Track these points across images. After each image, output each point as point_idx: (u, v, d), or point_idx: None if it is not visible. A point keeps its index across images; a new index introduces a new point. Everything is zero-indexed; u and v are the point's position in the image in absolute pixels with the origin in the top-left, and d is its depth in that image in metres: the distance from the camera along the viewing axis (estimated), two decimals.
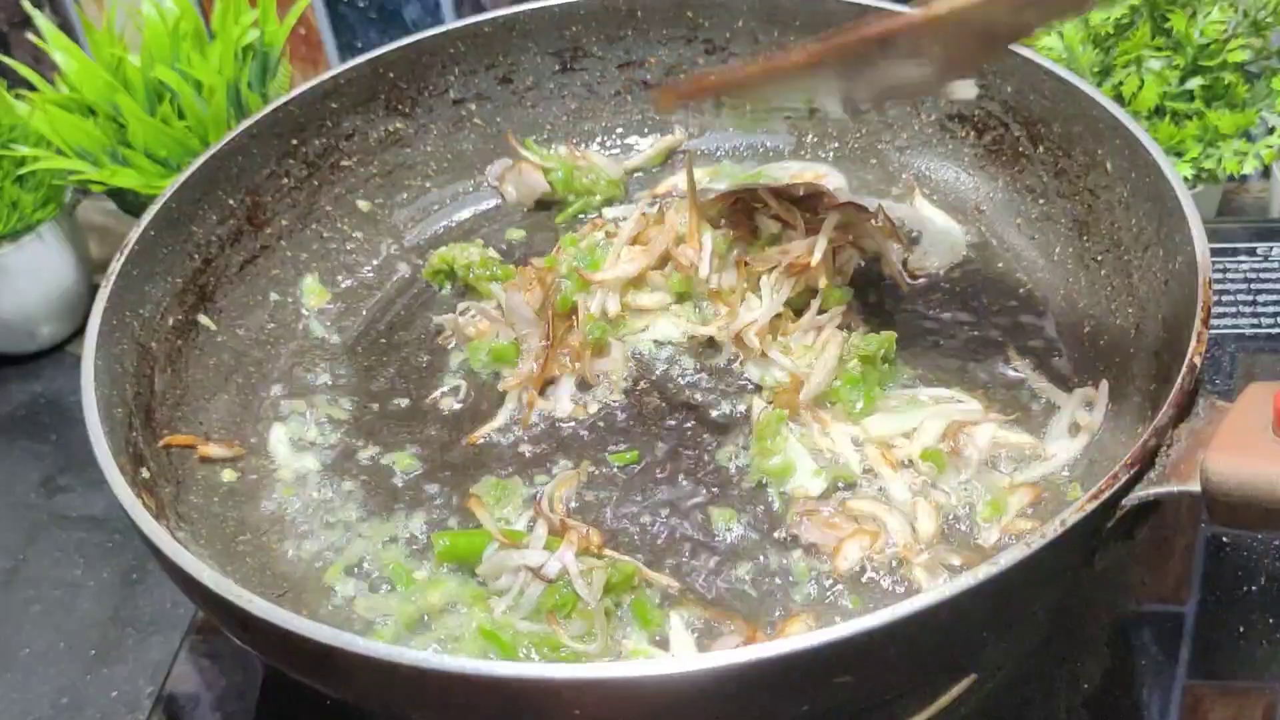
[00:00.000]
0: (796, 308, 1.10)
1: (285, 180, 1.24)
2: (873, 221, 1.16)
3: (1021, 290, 1.15)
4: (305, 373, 1.16)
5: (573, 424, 1.07)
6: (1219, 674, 0.97)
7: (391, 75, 1.29)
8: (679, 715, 0.77)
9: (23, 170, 1.36)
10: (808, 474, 1.00)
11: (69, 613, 1.19)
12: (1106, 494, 0.77)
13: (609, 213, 1.28)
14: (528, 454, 1.05)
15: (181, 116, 1.37)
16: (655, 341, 1.12)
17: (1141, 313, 1.02)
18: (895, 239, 1.16)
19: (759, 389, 1.07)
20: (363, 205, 1.29)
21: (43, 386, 1.44)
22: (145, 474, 0.96)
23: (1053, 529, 0.76)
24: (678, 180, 1.32)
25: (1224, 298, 1.25)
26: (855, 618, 0.73)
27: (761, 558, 0.95)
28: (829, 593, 0.93)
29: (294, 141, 1.24)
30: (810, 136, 1.33)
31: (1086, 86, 1.10)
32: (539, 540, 0.94)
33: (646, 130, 1.37)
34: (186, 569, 0.82)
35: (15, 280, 1.40)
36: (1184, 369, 0.83)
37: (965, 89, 1.13)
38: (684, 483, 1.02)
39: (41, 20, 1.42)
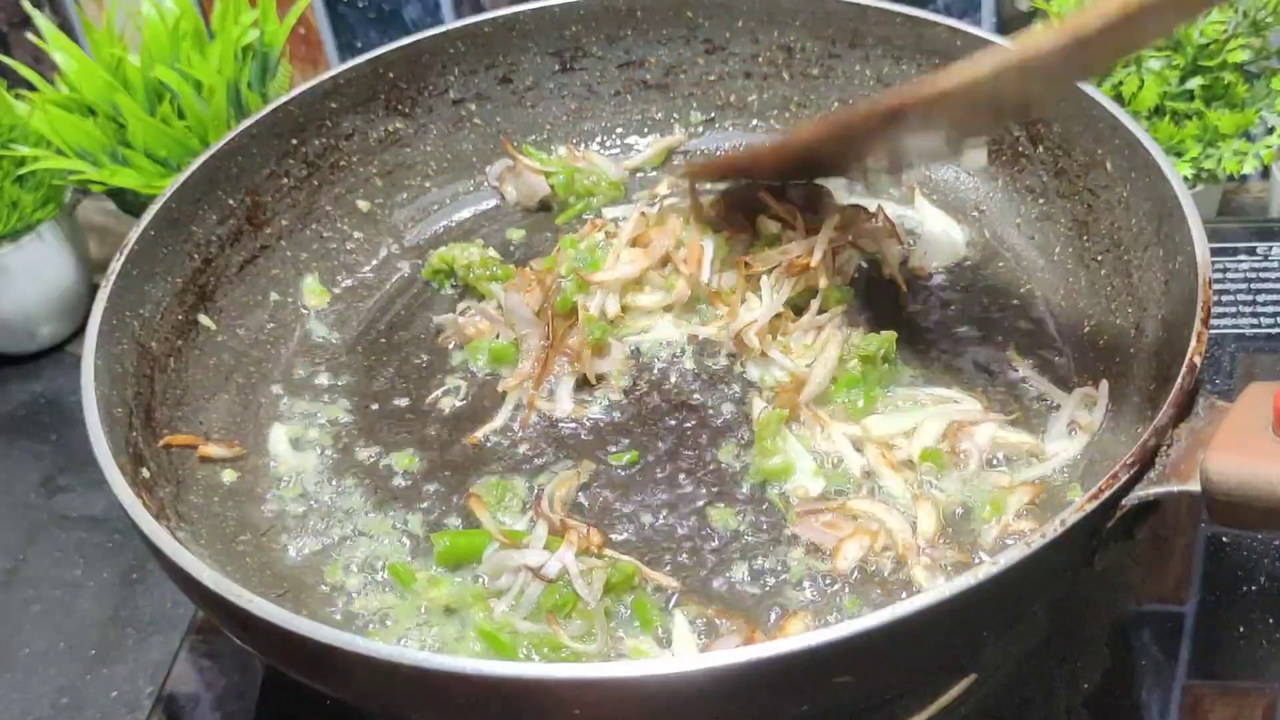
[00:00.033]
0: (797, 307, 1.10)
1: (285, 180, 1.24)
2: (873, 222, 1.16)
3: (1021, 290, 1.15)
4: (305, 373, 1.16)
5: (573, 424, 1.07)
6: (1219, 674, 0.97)
7: (391, 75, 1.29)
8: (679, 715, 0.77)
9: (23, 170, 1.36)
10: (808, 474, 1.00)
11: (69, 613, 1.19)
12: (1106, 494, 0.78)
13: (609, 212, 1.28)
14: (528, 454, 1.05)
15: (181, 116, 1.37)
16: (656, 342, 1.12)
17: (1141, 313, 1.02)
18: (895, 239, 1.16)
19: (759, 389, 1.07)
20: (363, 205, 1.29)
21: (43, 386, 1.44)
22: (145, 474, 0.96)
23: (1053, 529, 0.76)
24: (677, 180, 1.32)
25: (1224, 298, 1.25)
26: (855, 618, 0.73)
27: (761, 558, 0.95)
28: (829, 593, 0.93)
29: (294, 141, 1.24)
30: None
31: (1086, 86, 1.10)
32: (539, 540, 0.94)
33: (646, 130, 1.37)
34: (186, 569, 0.82)
35: (15, 280, 1.40)
36: (1184, 369, 0.83)
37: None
38: (684, 483, 1.02)
39: (41, 20, 1.42)
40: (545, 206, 1.32)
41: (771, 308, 1.08)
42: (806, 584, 0.93)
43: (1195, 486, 0.77)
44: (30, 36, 1.43)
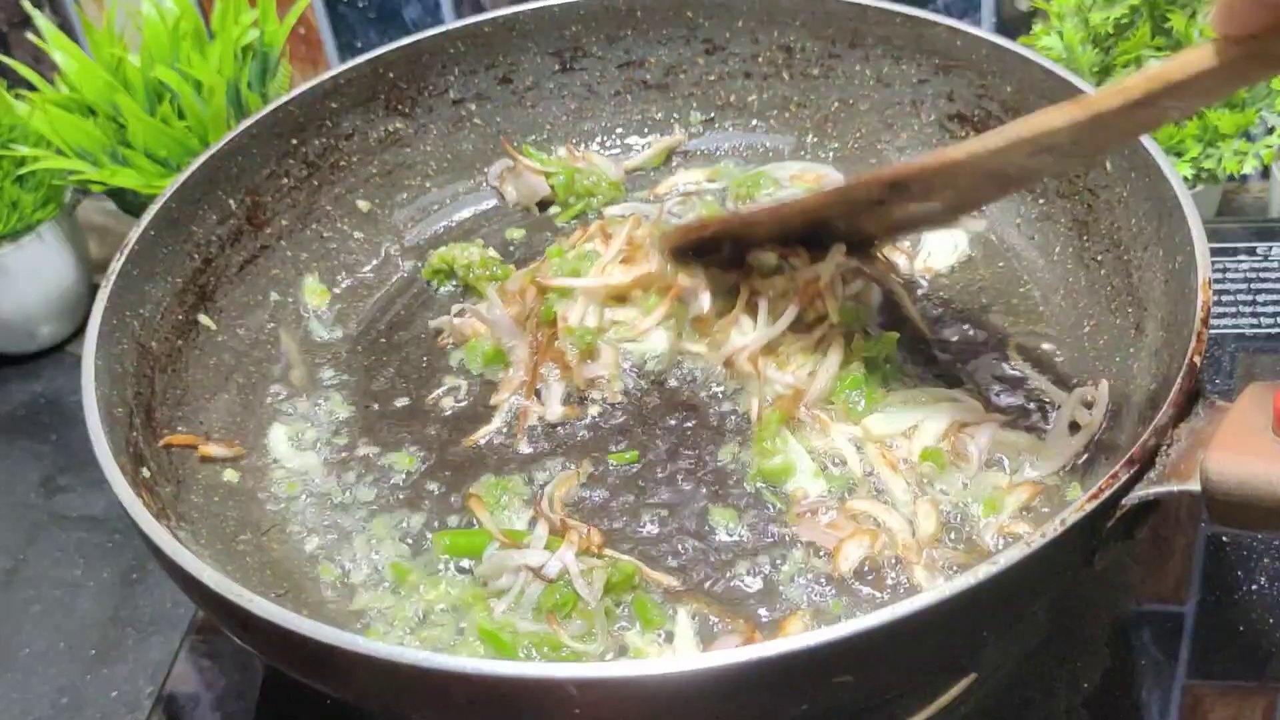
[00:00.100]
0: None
1: (285, 180, 1.24)
2: (876, 261, 1.12)
3: (1021, 290, 1.15)
4: (305, 372, 1.16)
5: (573, 424, 1.07)
6: (1219, 674, 0.97)
7: (391, 75, 1.29)
8: (679, 715, 0.77)
9: (23, 170, 1.37)
10: (808, 475, 0.99)
11: (69, 613, 1.19)
12: (1106, 494, 0.77)
13: (611, 211, 1.28)
14: (528, 454, 1.05)
15: (181, 116, 1.37)
16: (645, 352, 1.11)
17: (1141, 313, 1.02)
18: (893, 274, 1.13)
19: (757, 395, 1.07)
20: (363, 205, 1.29)
21: (43, 386, 1.44)
22: (145, 474, 0.96)
23: (1053, 529, 0.76)
24: (677, 180, 1.32)
25: (1224, 298, 1.25)
26: (855, 618, 0.73)
27: (761, 557, 0.95)
28: (829, 593, 0.93)
29: (294, 141, 1.24)
30: (810, 137, 1.33)
31: (1086, 86, 1.10)
32: (539, 540, 0.94)
33: (646, 130, 1.37)
34: (186, 569, 0.82)
35: (15, 280, 1.40)
36: (1184, 369, 0.83)
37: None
38: (684, 483, 1.02)
39: (41, 20, 1.42)
40: (545, 206, 1.32)
41: (767, 333, 1.06)
42: (806, 584, 0.93)
43: (1195, 486, 0.77)
44: (30, 36, 1.43)
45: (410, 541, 1.00)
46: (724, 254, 1.10)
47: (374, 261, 1.28)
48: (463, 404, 1.11)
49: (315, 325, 1.21)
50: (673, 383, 1.09)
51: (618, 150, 1.37)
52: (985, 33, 1.20)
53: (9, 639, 1.17)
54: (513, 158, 1.32)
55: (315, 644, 0.76)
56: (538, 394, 1.09)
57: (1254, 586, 1.02)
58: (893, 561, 0.93)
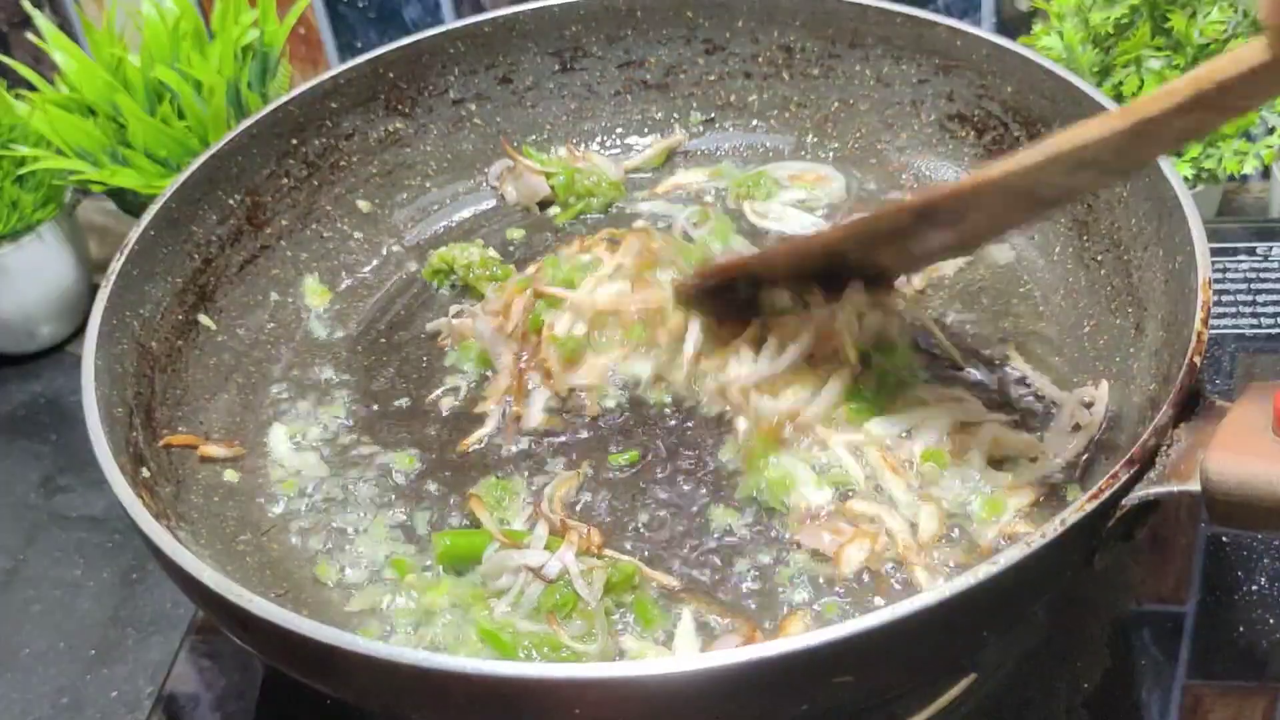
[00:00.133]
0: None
1: (285, 180, 1.24)
2: (895, 294, 1.08)
3: (1021, 290, 1.15)
4: (305, 372, 1.16)
5: (575, 423, 1.07)
6: (1219, 674, 0.97)
7: (391, 75, 1.29)
8: (679, 715, 0.77)
9: (23, 170, 1.36)
10: (809, 486, 0.98)
11: (69, 613, 1.19)
12: (1106, 494, 0.77)
13: (638, 215, 1.27)
14: (528, 454, 1.05)
15: (181, 116, 1.37)
16: (627, 373, 1.09)
17: (1141, 313, 1.02)
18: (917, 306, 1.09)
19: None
20: (363, 205, 1.29)
21: (43, 386, 1.44)
22: (145, 474, 0.96)
23: (1053, 529, 0.76)
24: (677, 180, 1.32)
25: (1224, 298, 1.25)
26: (855, 618, 0.73)
27: (761, 557, 0.95)
28: (829, 592, 0.92)
29: (294, 141, 1.24)
30: (810, 137, 1.33)
31: (1086, 86, 1.10)
32: (539, 540, 0.94)
33: (646, 130, 1.37)
34: (186, 569, 0.82)
35: (15, 280, 1.40)
36: (1184, 369, 0.83)
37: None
38: (684, 483, 1.02)
39: (41, 20, 1.42)
40: (545, 205, 1.32)
41: (767, 370, 1.02)
42: (807, 584, 0.93)
43: (1195, 486, 0.77)
44: (30, 36, 1.43)
45: (410, 542, 1.00)
46: (739, 294, 1.05)
47: (374, 261, 1.28)
48: (463, 404, 1.11)
49: (315, 325, 1.21)
50: (661, 396, 1.08)
51: (618, 150, 1.37)
52: (985, 33, 1.20)
53: (9, 639, 1.17)
54: (513, 158, 1.32)
55: (315, 644, 0.76)
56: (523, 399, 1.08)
57: (1254, 586, 1.02)
58: (894, 562, 0.93)
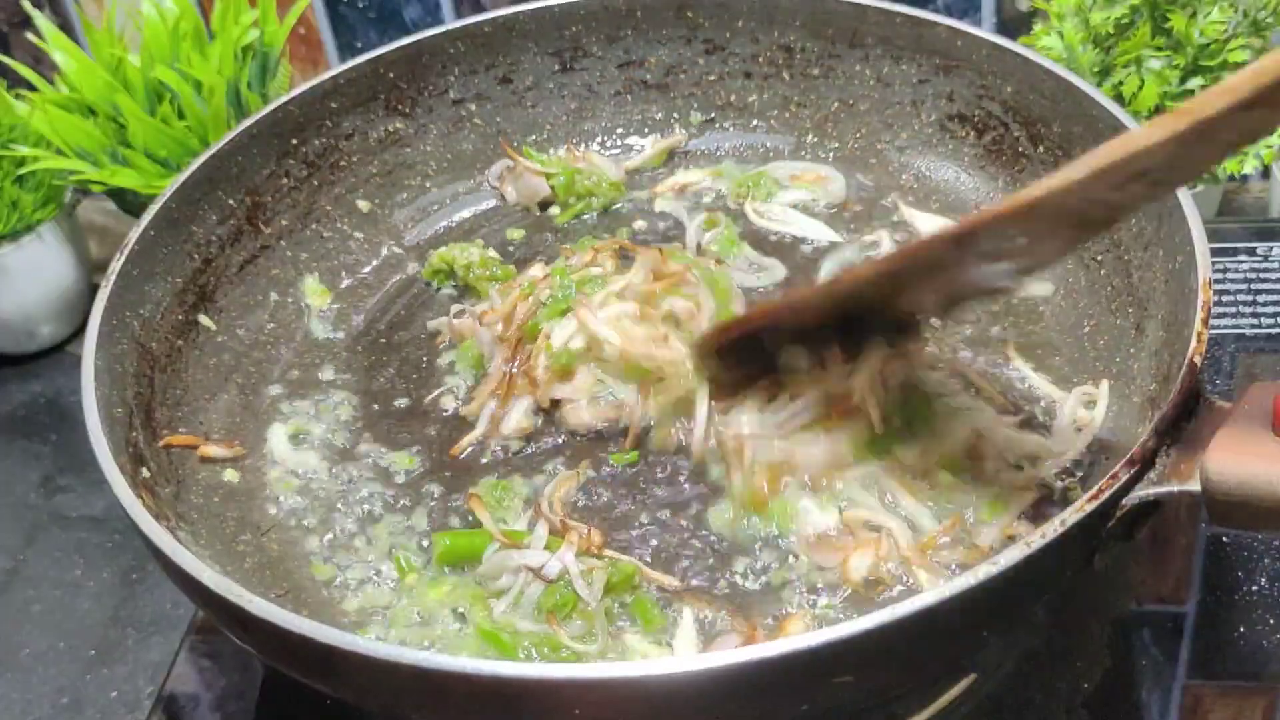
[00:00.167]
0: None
1: (285, 180, 1.24)
2: (920, 349, 1.02)
3: (1022, 290, 1.15)
4: (305, 373, 1.16)
5: (550, 434, 1.06)
6: (1219, 674, 0.97)
7: (391, 75, 1.29)
8: (679, 715, 0.77)
9: (23, 170, 1.36)
10: (814, 513, 0.95)
11: (69, 613, 1.19)
12: (1106, 494, 0.77)
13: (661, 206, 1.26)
14: (528, 454, 1.05)
15: (181, 116, 1.37)
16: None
17: (1141, 313, 1.02)
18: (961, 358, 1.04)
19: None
20: (363, 205, 1.29)
21: (43, 386, 1.44)
22: (145, 474, 0.96)
23: (1053, 529, 0.76)
24: (678, 179, 1.32)
25: (1224, 298, 1.25)
26: (855, 618, 0.73)
27: (762, 557, 0.95)
28: (829, 592, 0.92)
29: (294, 141, 1.24)
30: (810, 137, 1.33)
31: (1086, 86, 1.10)
32: (539, 540, 0.94)
33: (646, 130, 1.37)
34: (186, 569, 0.82)
35: (15, 280, 1.40)
36: (1184, 369, 0.83)
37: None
38: (684, 483, 1.02)
39: (41, 20, 1.42)
40: (545, 206, 1.32)
41: (767, 428, 0.97)
42: (807, 584, 0.93)
43: (1195, 486, 0.77)
44: (30, 36, 1.43)
45: (410, 541, 1.00)
46: (763, 347, 0.99)
47: (374, 261, 1.28)
48: (462, 404, 1.11)
49: (315, 325, 1.21)
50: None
51: (618, 150, 1.37)
52: (985, 33, 1.20)
53: (9, 639, 1.17)
54: (513, 158, 1.32)
55: (315, 644, 0.76)
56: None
57: (1254, 586, 1.02)
58: (897, 565, 0.93)
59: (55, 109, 1.36)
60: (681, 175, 1.33)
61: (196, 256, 1.15)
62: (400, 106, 1.30)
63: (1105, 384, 1.01)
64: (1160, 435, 0.80)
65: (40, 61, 1.46)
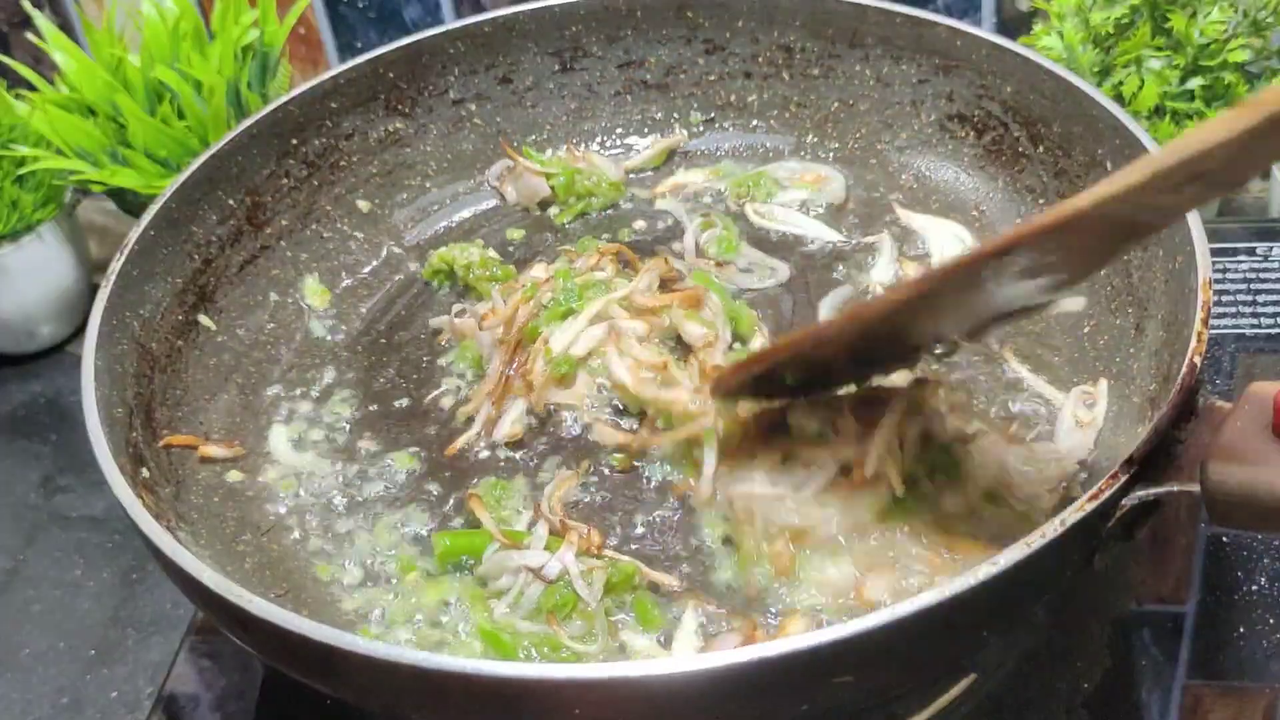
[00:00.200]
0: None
1: (285, 180, 1.24)
2: (939, 395, 0.97)
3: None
4: (305, 373, 1.16)
5: (575, 424, 1.07)
6: (1219, 674, 0.97)
7: (391, 75, 1.29)
8: (679, 715, 0.77)
9: (23, 170, 1.36)
10: (829, 567, 0.91)
11: (69, 613, 1.19)
12: (1106, 494, 0.77)
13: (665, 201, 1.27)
14: (527, 454, 1.05)
15: (181, 116, 1.37)
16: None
17: (1141, 313, 1.02)
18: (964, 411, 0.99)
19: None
20: (363, 205, 1.29)
21: (43, 386, 1.44)
22: (145, 474, 0.96)
23: (1053, 529, 0.76)
24: (677, 179, 1.32)
25: (1224, 298, 1.25)
26: (855, 618, 0.73)
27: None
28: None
29: (294, 141, 1.24)
30: (810, 137, 1.33)
31: (1086, 86, 1.10)
32: (539, 541, 0.94)
33: (646, 130, 1.37)
34: (186, 569, 0.82)
35: (15, 280, 1.40)
36: (1184, 369, 0.83)
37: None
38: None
39: (41, 20, 1.42)
40: (545, 206, 1.32)
41: (775, 489, 0.93)
42: (806, 584, 0.93)
43: (1195, 486, 0.77)
44: (30, 36, 1.43)
45: (410, 541, 1.00)
46: (785, 381, 0.95)
47: (374, 261, 1.28)
48: (462, 404, 1.11)
49: (315, 325, 1.21)
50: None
51: (618, 150, 1.37)
52: (985, 33, 1.21)
53: (9, 639, 1.17)
54: (513, 158, 1.32)
55: (315, 644, 0.76)
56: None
57: (1254, 586, 1.02)
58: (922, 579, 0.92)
59: (55, 109, 1.36)
60: (681, 175, 1.33)
61: (196, 256, 1.15)
62: (400, 106, 1.30)
63: (1105, 384, 1.01)
64: (1160, 435, 0.80)
65: (40, 61, 1.46)
